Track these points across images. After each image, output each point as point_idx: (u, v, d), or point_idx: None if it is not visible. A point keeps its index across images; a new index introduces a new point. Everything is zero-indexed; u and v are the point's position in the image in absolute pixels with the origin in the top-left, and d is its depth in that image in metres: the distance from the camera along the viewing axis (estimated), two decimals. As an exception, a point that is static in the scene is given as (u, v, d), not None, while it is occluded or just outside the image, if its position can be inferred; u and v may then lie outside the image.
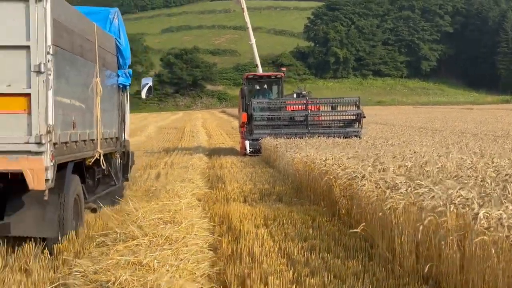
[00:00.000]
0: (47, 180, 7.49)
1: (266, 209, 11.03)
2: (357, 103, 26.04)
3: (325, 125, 26.22)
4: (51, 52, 7.55)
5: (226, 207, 11.30)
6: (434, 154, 11.79)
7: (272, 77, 28.37)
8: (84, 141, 9.25)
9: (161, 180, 14.79)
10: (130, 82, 12.64)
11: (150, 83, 14.63)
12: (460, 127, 41.36)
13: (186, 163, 20.15)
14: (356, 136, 24.89)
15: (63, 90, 8.17)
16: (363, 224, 6.65)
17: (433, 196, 5.85)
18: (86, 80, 9.50)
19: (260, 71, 31.39)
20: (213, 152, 28.23)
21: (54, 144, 7.68)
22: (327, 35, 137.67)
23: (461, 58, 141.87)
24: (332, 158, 11.04)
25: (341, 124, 26.13)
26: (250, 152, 24.96)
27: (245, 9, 32.01)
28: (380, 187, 7.23)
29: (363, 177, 8.05)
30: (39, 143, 7.43)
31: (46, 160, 7.47)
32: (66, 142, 8.25)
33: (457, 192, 5.66)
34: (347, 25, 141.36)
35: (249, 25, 32.40)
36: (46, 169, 7.47)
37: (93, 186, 10.88)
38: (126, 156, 13.27)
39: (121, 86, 12.25)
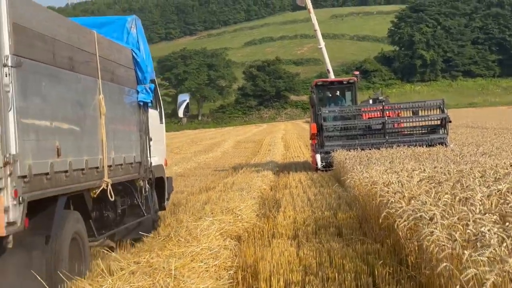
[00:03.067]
0: (10, 224, 6.03)
1: (313, 252, 8.46)
2: (442, 106, 23.05)
3: (406, 132, 23.42)
4: (9, 64, 6.17)
5: (262, 250, 8.80)
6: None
7: (344, 82, 25.64)
8: (81, 170, 7.71)
9: (205, 209, 12.46)
10: (151, 99, 10.98)
11: (188, 100, 13.54)
12: None
13: (247, 184, 17.78)
14: (441, 143, 22.03)
15: (37, 110, 6.71)
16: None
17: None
18: (82, 97, 8.02)
19: (332, 77, 28.70)
20: (284, 168, 25.89)
21: (22, 177, 6.21)
22: (412, 37, 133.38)
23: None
24: (398, 182, 8.37)
25: (424, 131, 23.30)
26: (322, 167, 22.43)
27: (311, 10, 29.37)
28: (455, 239, 4.62)
29: (431, 219, 5.43)
30: None
31: (7, 199, 6.00)
32: (46, 174, 6.71)
33: None
34: (433, 26, 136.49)
35: (317, 27, 29.72)
36: (6, 210, 5.98)
37: (113, 220, 9.67)
38: (160, 183, 11.89)
39: (141, 103, 10.58)
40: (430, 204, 5.99)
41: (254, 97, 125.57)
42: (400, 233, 6.80)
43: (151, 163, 11.03)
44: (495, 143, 22.50)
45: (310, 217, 11.89)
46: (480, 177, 8.49)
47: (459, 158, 14.93)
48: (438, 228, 5.06)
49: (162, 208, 12.24)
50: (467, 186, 7.31)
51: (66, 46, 7.62)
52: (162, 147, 12.62)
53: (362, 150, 20.50)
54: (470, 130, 40.77)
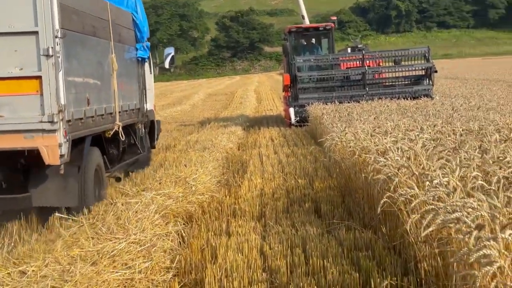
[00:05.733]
0: (61, 156, 7.79)
1: (283, 244, 6.23)
2: (427, 54, 20.91)
3: (387, 84, 21.26)
4: (59, 35, 7.79)
5: (216, 239, 6.61)
6: None
7: (321, 28, 23.23)
8: (101, 115, 9.50)
9: (156, 175, 10.31)
10: (148, 55, 12.91)
11: (173, 53, 14.98)
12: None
13: (211, 142, 15.60)
14: (426, 95, 19.97)
15: (75, 70, 8.47)
16: None
17: None
18: (101, 57, 9.77)
19: (307, 23, 26.30)
20: (255, 123, 23.73)
21: (68, 121, 7.97)
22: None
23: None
24: (398, 149, 6.17)
25: (407, 82, 21.15)
26: (295, 122, 20.30)
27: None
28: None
29: (479, 228, 3.24)
30: (52, 122, 7.70)
31: (60, 137, 7.77)
32: (80, 118, 8.51)
33: None
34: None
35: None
36: (60, 145, 7.77)
37: (118, 156, 11.19)
38: (151, 125, 13.58)
39: (140, 59, 12.39)
40: (461, 190, 3.85)
41: (227, 48, 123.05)
42: (410, 237, 4.59)
43: (146, 108, 12.80)
44: (483, 95, 20.55)
45: (281, 186, 9.71)
46: (505, 141, 6.37)
47: (454, 112, 12.88)
48: (497, 249, 2.93)
49: (153, 147, 14.13)
50: (498, 158, 5.21)
51: (90, 17, 9.22)
52: (152, 94, 14.12)
53: (340, 103, 18.45)
54: (450, 81, 38.92)
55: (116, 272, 4.91)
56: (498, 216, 3.31)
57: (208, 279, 5.02)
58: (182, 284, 5.31)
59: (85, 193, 8.75)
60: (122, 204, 7.04)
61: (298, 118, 20.32)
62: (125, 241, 5.59)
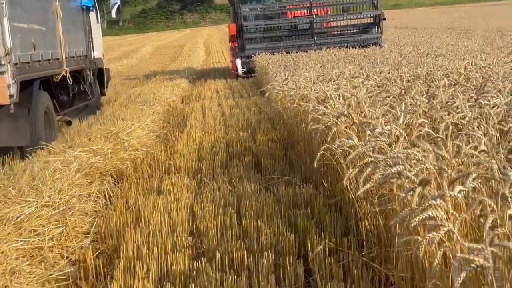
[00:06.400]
0: (11, 96, 8.27)
1: (216, 203, 5.69)
2: (375, 2, 20.40)
3: (336, 32, 20.75)
4: None
5: (144, 200, 6.04)
6: None
7: (267, -25, 22.51)
8: (48, 60, 9.95)
9: (89, 131, 9.62)
10: (93, 3, 13.30)
11: (119, 3, 15.13)
12: (495, 24, 35.43)
13: (154, 95, 14.92)
14: (375, 44, 19.52)
15: (20, 16, 8.89)
16: None
17: None
18: (45, 4, 10.25)
19: (254, -30, 25.46)
20: (202, 75, 23.08)
21: (15, 64, 8.42)
22: None
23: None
24: (338, 96, 5.65)
25: (355, 30, 20.65)
26: (243, 73, 19.71)
27: None
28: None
29: (424, 183, 2.72)
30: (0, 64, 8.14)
31: (8, 79, 8.21)
32: (27, 62, 8.99)
33: None
34: None
35: None
36: (9, 86, 8.22)
37: (67, 101, 11.86)
38: (100, 72, 14.19)
39: (84, 7, 12.84)
40: (405, 139, 3.35)
41: (176, 1, 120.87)
42: (350, 193, 4.10)
43: (94, 56, 13.37)
44: (432, 42, 20.21)
45: (221, 140, 9.14)
46: (454, 86, 5.90)
47: (402, 59, 12.44)
48: (444, 209, 2.43)
49: (103, 94, 14.93)
50: (447, 103, 4.74)
51: None
52: (100, 42, 14.69)
53: (287, 53, 17.88)
54: (400, 30, 38.57)
55: (21, 241, 4.34)
56: (446, 168, 2.84)
57: (125, 246, 4.46)
58: (99, 251, 4.75)
59: (36, 133, 9.29)
60: (43, 163, 6.38)
61: (245, 69, 19.75)
62: (36, 204, 4.99)
